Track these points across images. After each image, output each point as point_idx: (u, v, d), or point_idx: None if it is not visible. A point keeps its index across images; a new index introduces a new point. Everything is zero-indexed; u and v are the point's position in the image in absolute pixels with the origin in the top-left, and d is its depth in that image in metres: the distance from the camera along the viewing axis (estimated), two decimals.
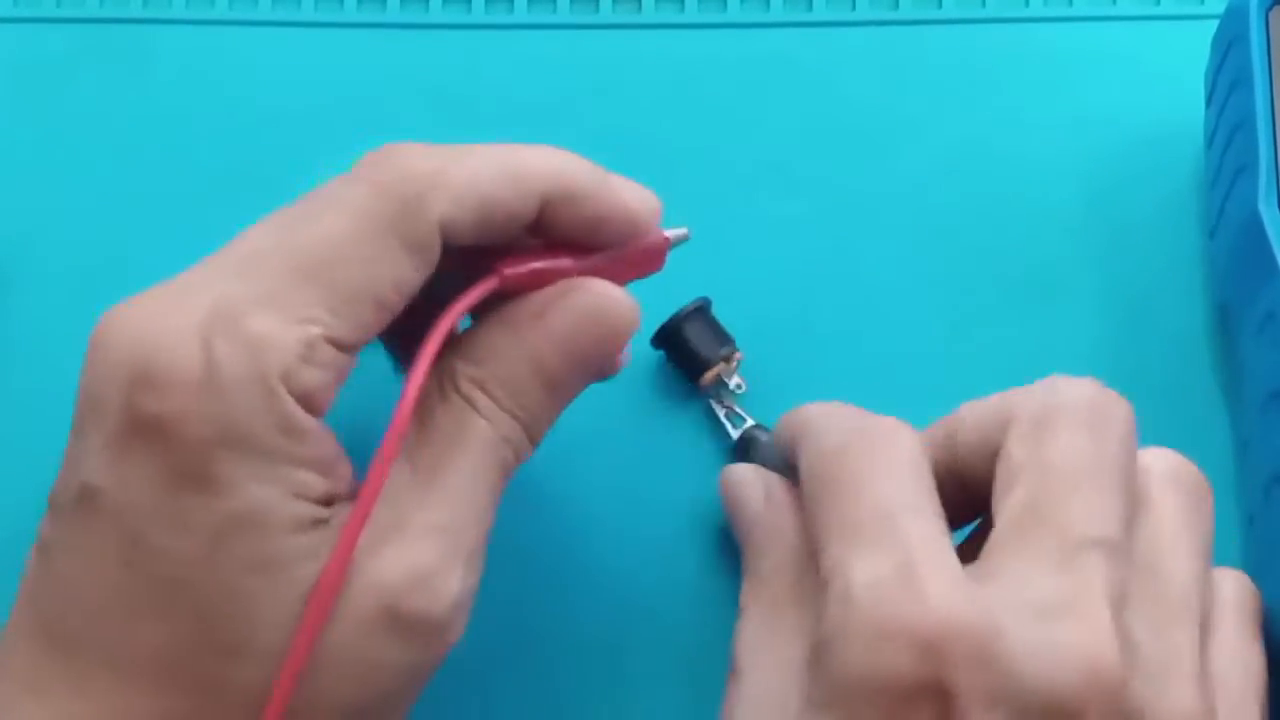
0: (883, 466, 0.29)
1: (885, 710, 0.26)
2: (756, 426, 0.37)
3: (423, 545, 0.28)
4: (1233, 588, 0.32)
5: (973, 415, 0.31)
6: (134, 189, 0.42)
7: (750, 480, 0.34)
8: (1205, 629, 0.29)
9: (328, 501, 0.28)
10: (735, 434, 0.37)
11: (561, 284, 0.31)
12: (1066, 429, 0.29)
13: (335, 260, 0.28)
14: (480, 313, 0.31)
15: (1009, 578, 0.27)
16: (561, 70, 0.44)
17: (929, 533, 0.28)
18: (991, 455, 0.30)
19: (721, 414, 0.38)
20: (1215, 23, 0.40)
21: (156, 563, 0.27)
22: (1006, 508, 0.29)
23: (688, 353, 0.38)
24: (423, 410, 0.30)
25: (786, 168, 0.43)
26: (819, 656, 0.27)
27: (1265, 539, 0.35)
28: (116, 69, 0.44)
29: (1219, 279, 0.40)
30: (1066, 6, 0.46)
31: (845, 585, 0.27)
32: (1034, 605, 0.27)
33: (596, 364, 0.31)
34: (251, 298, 0.27)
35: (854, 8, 0.46)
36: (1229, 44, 0.39)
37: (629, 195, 0.32)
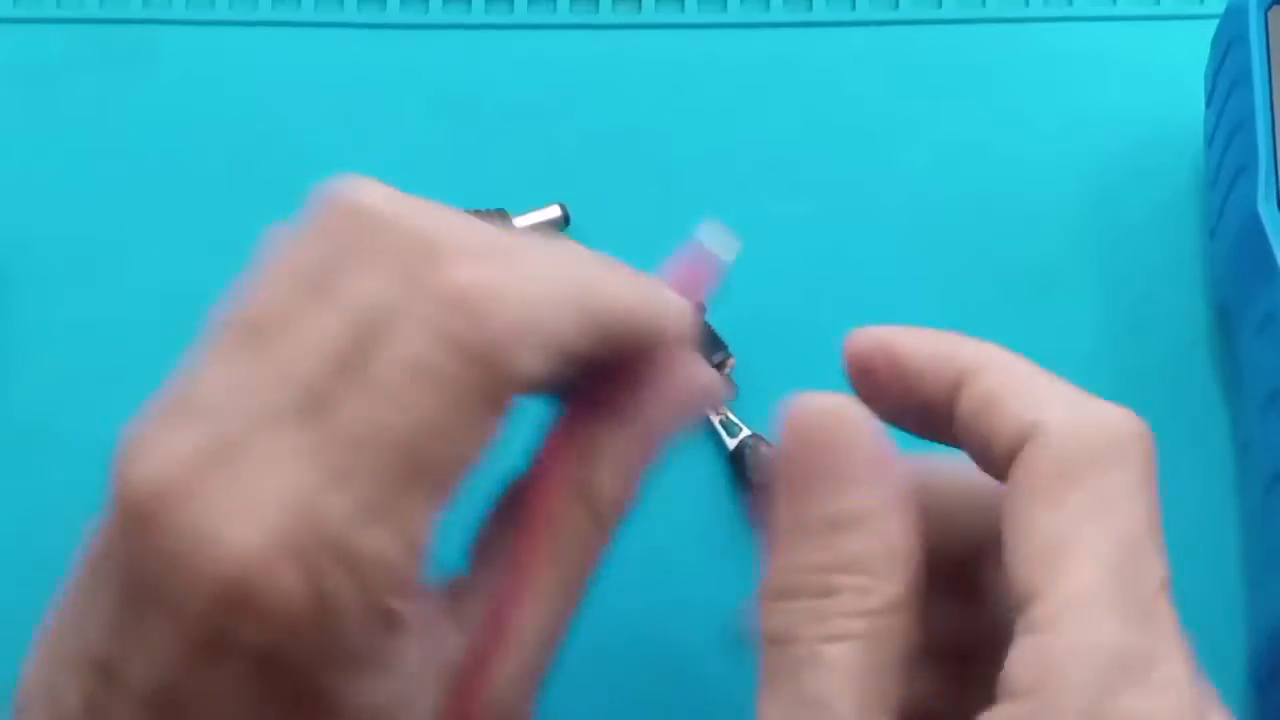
0: (1150, 507, 0.25)
1: None
2: (754, 436, 0.37)
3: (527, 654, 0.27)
4: None
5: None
6: (134, 189, 0.42)
7: (864, 438, 0.26)
8: None
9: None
10: (731, 443, 0.37)
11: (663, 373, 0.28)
12: (1127, 498, 0.25)
13: (432, 447, 0.24)
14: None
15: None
16: (561, 70, 0.44)
17: (1172, 620, 0.24)
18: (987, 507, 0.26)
19: (716, 421, 0.38)
20: (1215, 23, 0.40)
21: None
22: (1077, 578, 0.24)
23: None
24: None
25: (786, 168, 0.43)
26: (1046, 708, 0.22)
27: (1265, 539, 0.35)
28: (116, 69, 0.44)
29: (1219, 279, 0.40)
30: (1066, 6, 0.46)
31: (1103, 650, 0.23)
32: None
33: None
34: (352, 507, 0.24)
35: (854, 8, 0.46)
36: (1229, 44, 0.39)
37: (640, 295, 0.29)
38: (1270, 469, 0.35)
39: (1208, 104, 0.41)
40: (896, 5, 0.46)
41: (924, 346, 0.27)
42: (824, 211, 0.42)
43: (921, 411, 0.27)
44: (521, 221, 0.40)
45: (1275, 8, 0.38)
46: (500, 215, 0.40)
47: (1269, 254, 0.36)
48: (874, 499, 0.25)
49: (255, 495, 0.24)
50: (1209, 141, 0.41)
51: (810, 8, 0.46)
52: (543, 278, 0.26)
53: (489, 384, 0.24)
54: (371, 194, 0.27)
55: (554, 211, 0.41)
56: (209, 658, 0.24)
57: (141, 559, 0.24)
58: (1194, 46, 0.41)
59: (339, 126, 0.43)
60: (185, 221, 0.41)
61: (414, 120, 0.43)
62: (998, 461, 0.25)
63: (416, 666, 0.26)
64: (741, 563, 0.37)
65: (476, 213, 0.40)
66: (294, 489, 0.24)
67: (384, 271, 0.25)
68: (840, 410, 0.27)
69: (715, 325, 0.39)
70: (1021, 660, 0.23)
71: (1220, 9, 0.40)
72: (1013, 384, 0.26)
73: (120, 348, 0.40)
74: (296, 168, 0.42)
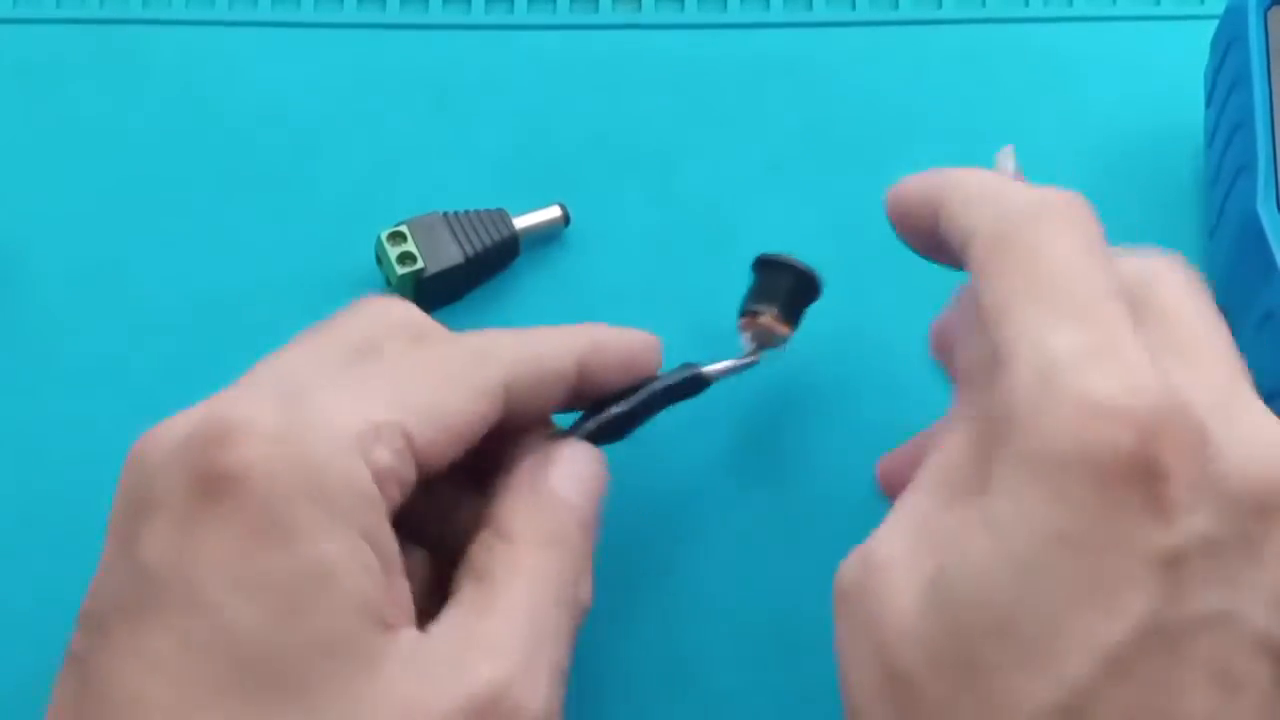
0: (1081, 240, 0.28)
1: (1096, 489, 0.24)
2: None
3: (503, 648, 0.28)
4: None
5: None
6: (134, 189, 0.42)
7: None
8: None
9: (383, 607, 0.27)
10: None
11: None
12: (1168, 279, 0.28)
13: (416, 380, 0.29)
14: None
15: (1180, 384, 0.26)
16: (561, 70, 0.44)
17: (1126, 319, 0.26)
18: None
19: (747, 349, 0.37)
20: (1215, 23, 0.40)
21: (227, 639, 0.26)
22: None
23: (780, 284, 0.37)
24: (475, 563, 0.30)
25: (786, 168, 0.43)
26: (1006, 432, 0.25)
27: None
28: (116, 69, 0.44)
29: (1219, 279, 0.39)
30: (1066, 6, 0.46)
31: (1042, 355, 0.25)
32: (1219, 402, 0.26)
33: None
34: (329, 384, 0.28)
35: (854, 8, 0.46)
36: (1228, 44, 0.39)
37: (637, 336, 0.34)
38: None
39: (1208, 104, 0.41)
40: (896, 5, 0.46)
41: (913, 191, 0.32)
42: (823, 211, 0.42)
43: (933, 243, 0.31)
44: (521, 221, 0.41)
45: (1275, 8, 0.38)
46: (500, 215, 0.40)
47: (1269, 254, 0.36)
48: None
49: (239, 394, 0.28)
50: (1209, 141, 0.41)
51: (810, 8, 0.46)
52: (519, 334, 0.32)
53: (474, 366, 0.30)
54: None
55: (554, 211, 0.41)
56: (192, 518, 0.26)
57: (140, 475, 0.27)
58: (1194, 46, 0.41)
59: (339, 126, 0.43)
60: (185, 221, 0.41)
61: (414, 120, 0.43)
62: (966, 267, 0.29)
63: (375, 572, 0.27)
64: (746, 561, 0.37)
65: (477, 213, 0.40)
66: (280, 383, 0.28)
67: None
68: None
69: (714, 325, 0.39)
70: (992, 403, 0.26)
71: (1220, 9, 0.40)
72: (959, 197, 0.30)
73: (120, 347, 0.40)
74: (296, 168, 0.43)
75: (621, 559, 0.37)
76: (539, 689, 0.28)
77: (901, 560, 0.27)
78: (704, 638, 0.36)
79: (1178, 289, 0.28)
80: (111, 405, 0.39)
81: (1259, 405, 0.27)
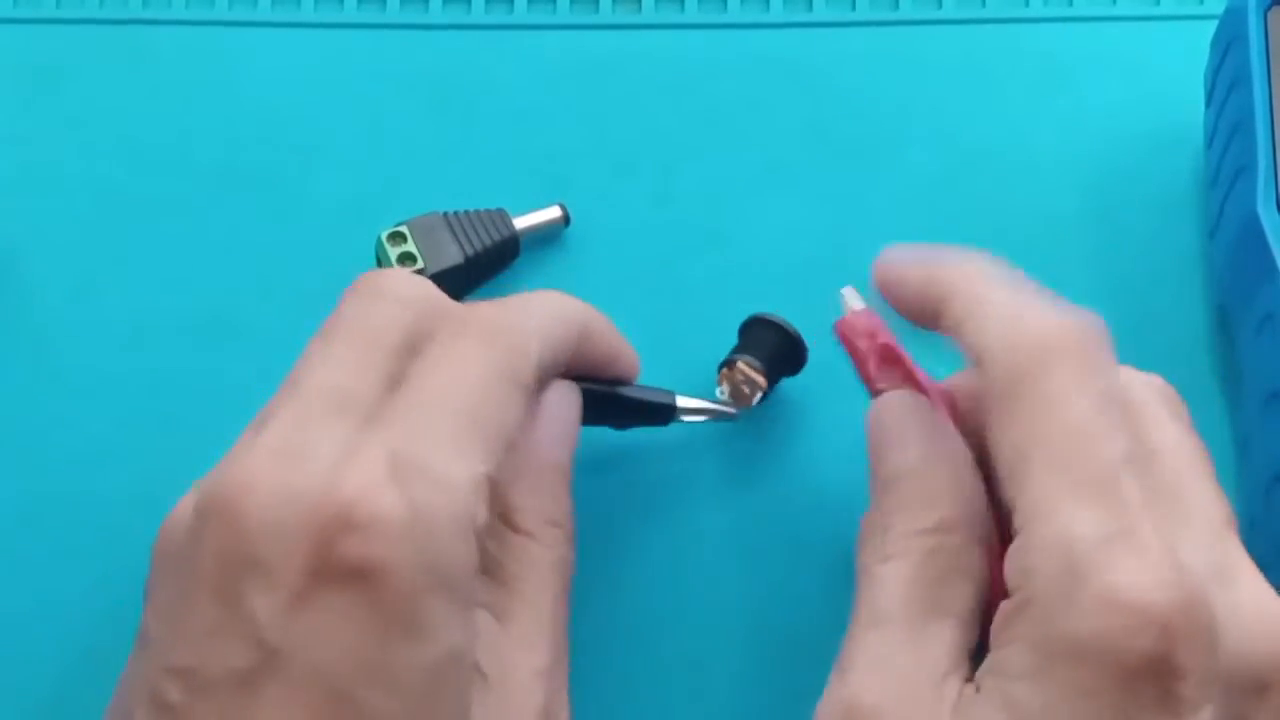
0: (1096, 392, 0.28)
1: (1116, 684, 0.25)
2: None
3: (538, 688, 0.29)
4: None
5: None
6: (134, 189, 0.42)
7: (910, 418, 0.31)
8: None
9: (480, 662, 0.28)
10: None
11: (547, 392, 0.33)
12: (1161, 415, 0.29)
13: (478, 404, 0.29)
14: None
15: (1183, 561, 0.26)
16: (561, 70, 0.44)
17: (1139, 492, 0.27)
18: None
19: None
20: (1215, 23, 0.40)
21: None
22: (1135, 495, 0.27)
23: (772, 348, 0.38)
24: (485, 559, 0.30)
25: (786, 168, 0.43)
26: (1023, 616, 0.26)
27: (1266, 540, 0.35)
28: (116, 69, 0.44)
29: (1219, 279, 0.40)
30: (1066, 6, 0.46)
31: (1064, 538, 0.26)
32: (1217, 586, 0.27)
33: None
34: (429, 438, 0.28)
35: (854, 8, 0.46)
36: (1228, 44, 0.39)
37: (621, 339, 0.35)
38: (1270, 469, 0.35)
39: (1207, 104, 0.41)
40: (896, 5, 0.46)
41: (911, 278, 0.32)
42: (824, 211, 0.42)
43: (924, 323, 0.31)
44: (521, 221, 0.41)
45: (1275, 8, 0.38)
46: (500, 215, 0.40)
47: (1269, 254, 0.36)
48: (912, 458, 0.31)
49: (321, 453, 0.27)
50: (1209, 142, 0.41)
51: (810, 8, 0.46)
52: (534, 303, 0.33)
53: (512, 366, 0.30)
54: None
55: (554, 211, 0.41)
56: (311, 601, 0.25)
57: (236, 541, 0.26)
58: (1194, 46, 0.41)
59: (339, 126, 0.43)
60: (185, 221, 0.41)
61: (414, 120, 0.43)
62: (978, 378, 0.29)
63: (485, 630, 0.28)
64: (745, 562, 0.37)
65: (477, 213, 0.40)
66: (380, 444, 0.27)
67: (451, 327, 0.31)
68: (888, 402, 0.32)
69: (714, 325, 0.39)
70: (1009, 564, 0.27)
71: (1220, 9, 0.40)
72: (968, 307, 0.30)
73: (119, 347, 0.40)
74: (296, 168, 0.43)
75: (619, 565, 0.37)
76: (565, 690, 0.30)
77: (892, 715, 0.27)
78: (700, 642, 0.36)
79: (1166, 422, 0.29)
80: (111, 405, 0.39)
81: (1246, 564, 0.28)
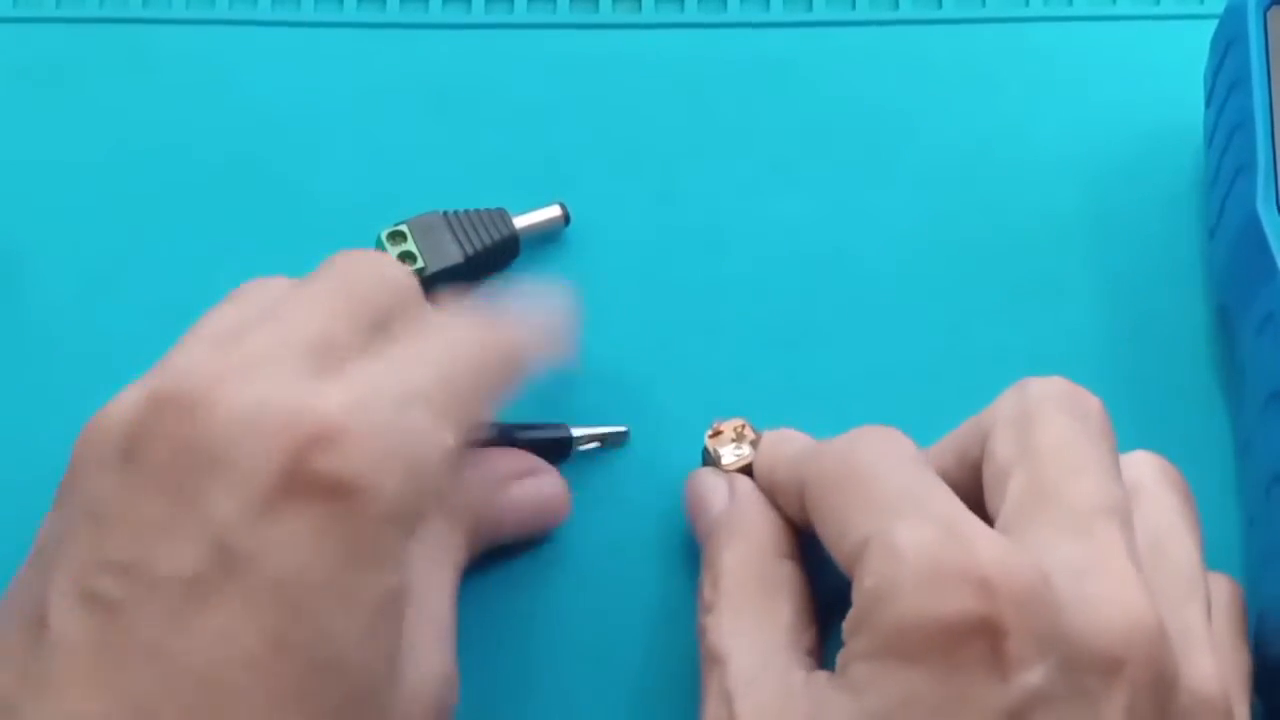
0: (894, 457, 0.30)
1: (941, 649, 0.26)
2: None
3: (446, 646, 0.30)
4: (1225, 588, 0.33)
5: (949, 441, 0.32)
6: (134, 189, 0.42)
7: (715, 482, 0.35)
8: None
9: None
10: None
11: (531, 461, 0.35)
12: (1048, 418, 0.30)
13: (468, 390, 0.30)
14: None
15: (1034, 546, 0.28)
16: (561, 70, 0.44)
17: (958, 505, 0.28)
18: (972, 469, 0.31)
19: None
20: (1215, 23, 0.40)
21: (319, 642, 0.25)
22: (1009, 496, 0.29)
23: None
24: None
25: (786, 168, 0.43)
26: (863, 617, 0.27)
27: (1266, 540, 0.35)
28: (116, 69, 0.44)
29: (1219, 279, 0.40)
30: (1066, 6, 0.46)
31: (890, 547, 0.27)
32: (1066, 565, 0.27)
33: (525, 536, 0.35)
34: (414, 393, 0.28)
35: (854, 8, 0.46)
36: (1228, 44, 0.39)
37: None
38: (1270, 469, 0.35)
39: (1208, 104, 0.41)
40: (896, 5, 0.46)
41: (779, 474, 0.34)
42: (823, 211, 0.42)
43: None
44: (521, 221, 0.41)
45: (1275, 8, 0.38)
46: (500, 214, 0.40)
47: (1269, 254, 0.36)
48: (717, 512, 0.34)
49: (315, 378, 0.27)
50: (1209, 141, 0.41)
51: (810, 8, 0.46)
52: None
53: (503, 372, 0.31)
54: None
55: (554, 211, 0.41)
56: (282, 509, 0.25)
57: (189, 439, 0.25)
58: (1194, 46, 0.41)
59: (339, 126, 0.43)
60: (185, 221, 0.41)
61: (414, 120, 0.43)
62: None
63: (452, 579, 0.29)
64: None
65: (477, 212, 0.40)
66: (393, 379, 0.28)
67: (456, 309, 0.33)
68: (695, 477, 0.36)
69: (714, 325, 0.39)
70: (853, 589, 0.28)
71: (1220, 9, 0.40)
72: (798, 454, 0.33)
73: (120, 347, 0.40)
74: (296, 167, 0.43)
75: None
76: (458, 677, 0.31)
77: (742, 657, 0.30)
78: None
79: (1052, 425, 0.30)
80: None
81: (1124, 562, 0.28)
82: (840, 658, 0.28)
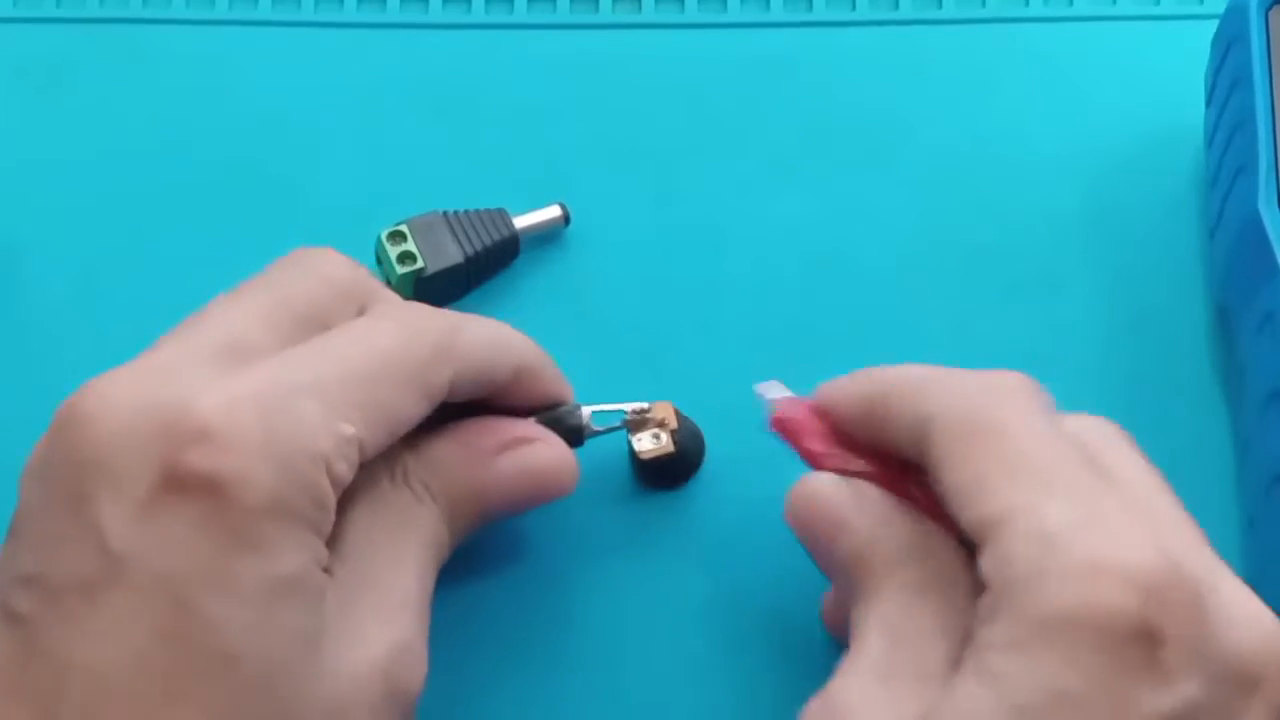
0: (1041, 418, 0.29)
1: (1100, 649, 0.25)
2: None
3: (400, 619, 0.30)
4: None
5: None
6: (134, 189, 0.42)
7: (838, 496, 0.31)
8: None
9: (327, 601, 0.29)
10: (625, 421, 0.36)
11: (521, 430, 0.34)
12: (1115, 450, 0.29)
13: (377, 380, 0.30)
14: (440, 414, 0.32)
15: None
16: (561, 70, 0.44)
17: (1100, 486, 0.27)
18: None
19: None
20: (1215, 23, 0.40)
21: (206, 633, 0.26)
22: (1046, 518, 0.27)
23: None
24: (375, 491, 0.31)
25: (786, 168, 0.43)
26: (1006, 599, 0.26)
27: (1266, 540, 0.35)
28: (116, 69, 0.44)
29: (1219, 279, 0.40)
30: (1066, 6, 0.46)
31: (1037, 525, 0.26)
32: (1206, 575, 0.27)
33: (528, 507, 0.34)
34: (304, 385, 0.28)
35: (854, 8, 0.46)
36: (1229, 44, 0.39)
37: (560, 379, 0.35)
38: (1270, 469, 0.35)
39: (1208, 104, 0.41)
40: (896, 5, 0.46)
41: (849, 394, 0.32)
42: (823, 211, 0.42)
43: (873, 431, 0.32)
44: (521, 221, 0.41)
45: (1275, 8, 0.38)
46: (500, 215, 0.40)
47: (1269, 254, 0.36)
48: (862, 537, 0.31)
49: (198, 373, 0.28)
50: (1209, 141, 0.41)
51: (810, 8, 0.46)
52: (474, 323, 0.33)
53: (427, 369, 0.31)
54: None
55: (554, 211, 0.41)
56: (160, 508, 0.26)
57: (91, 447, 0.27)
58: (1194, 46, 0.41)
59: (339, 126, 0.43)
60: (185, 221, 0.41)
61: (414, 120, 0.43)
62: (916, 453, 0.30)
63: (323, 570, 0.28)
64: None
65: (477, 212, 0.40)
66: (264, 372, 0.28)
67: (384, 310, 0.32)
68: (811, 492, 0.32)
69: (714, 325, 0.39)
70: (982, 565, 0.27)
71: (1220, 9, 0.40)
72: (913, 389, 0.31)
73: (120, 347, 0.39)
74: (296, 167, 0.43)
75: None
76: (425, 647, 0.30)
77: (872, 705, 0.27)
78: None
79: (1122, 452, 0.29)
80: None
81: (1229, 572, 0.28)
82: (975, 641, 0.26)
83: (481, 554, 0.35)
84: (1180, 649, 0.25)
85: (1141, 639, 0.25)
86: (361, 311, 0.32)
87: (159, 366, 0.28)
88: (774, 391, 0.34)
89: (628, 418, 0.36)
